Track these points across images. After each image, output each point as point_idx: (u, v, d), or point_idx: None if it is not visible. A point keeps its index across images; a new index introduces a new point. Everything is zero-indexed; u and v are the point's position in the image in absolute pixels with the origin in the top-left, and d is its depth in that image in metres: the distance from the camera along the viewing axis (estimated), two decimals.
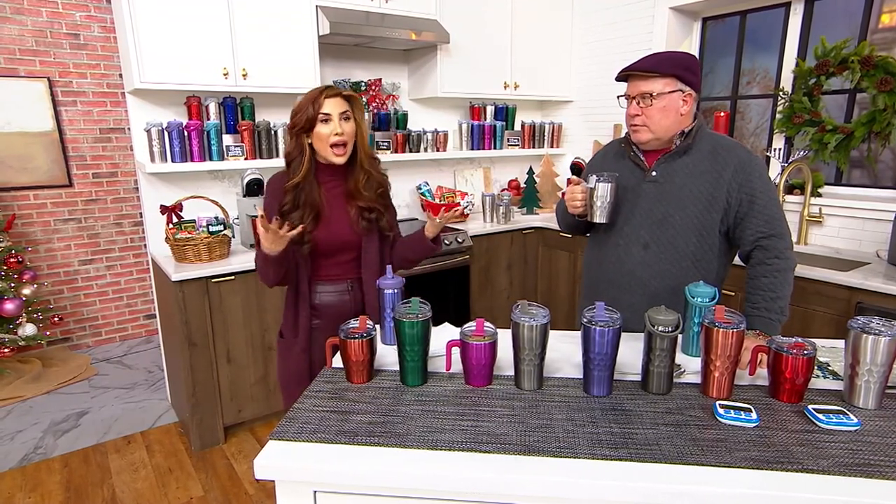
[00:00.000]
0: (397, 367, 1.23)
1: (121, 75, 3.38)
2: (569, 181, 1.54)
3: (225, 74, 2.40)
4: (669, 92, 1.38)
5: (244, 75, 2.45)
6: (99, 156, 3.40)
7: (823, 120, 2.51)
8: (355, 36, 2.70)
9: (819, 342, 1.39)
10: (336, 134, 1.39)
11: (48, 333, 3.06)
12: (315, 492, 0.96)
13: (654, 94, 1.39)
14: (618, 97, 1.51)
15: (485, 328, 1.18)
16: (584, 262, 1.69)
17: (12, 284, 2.85)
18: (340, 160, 1.43)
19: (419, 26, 2.85)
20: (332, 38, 2.67)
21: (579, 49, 3.67)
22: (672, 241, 1.45)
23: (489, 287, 3.27)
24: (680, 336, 1.32)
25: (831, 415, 1.00)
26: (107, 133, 3.40)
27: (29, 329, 2.88)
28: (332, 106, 1.39)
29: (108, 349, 3.52)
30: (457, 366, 1.22)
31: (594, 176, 1.44)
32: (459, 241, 3.00)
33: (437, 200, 3.34)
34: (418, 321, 1.15)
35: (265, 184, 1.49)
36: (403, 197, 3.42)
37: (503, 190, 3.73)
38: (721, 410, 1.02)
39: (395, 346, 1.19)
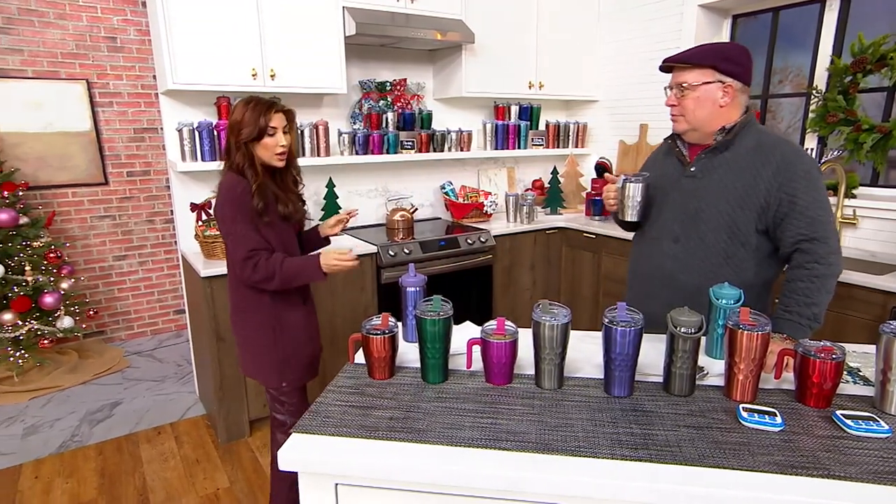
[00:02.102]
0: (419, 365, 1.24)
1: (154, 77, 3.49)
2: (606, 178, 1.58)
3: (254, 75, 2.46)
4: (704, 83, 1.36)
5: (272, 76, 2.50)
6: (133, 155, 3.52)
7: (859, 119, 2.43)
8: (381, 36, 2.74)
9: (851, 347, 1.35)
10: (281, 145, 1.60)
11: (84, 326, 3.19)
12: (336, 484, 0.98)
13: (687, 84, 1.38)
14: (664, 88, 1.49)
15: (506, 327, 1.19)
16: (629, 256, 1.71)
17: (52, 279, 2.97)
18: (281, 164, 1.63)
19: (444, 26, 2.87)
20: (358, 38, 2.70)
21: (605, 48, 3.63)
22: (702, 236, 1.43)
23: (512, 287, 3.27)
24: (704, 338, 1.31)
25: (861, 421, 0.98)
26: (140, 133, 3.52)
27: (67, 322, 3.00)
28: (278, 120, 1.59)
29: (140, 343, 3.65)
30: (478, 364, 1.24)
31: (623, 176, 1.48)
32: (482, 240, 3.00)
33: (460, 200, 3.35)
34: (439, 319, 1.16)
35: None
36: (427, 196, 3.44)
37: (527, 190, 3.72)
38: (744, 414, 1.01)
39: (417, 344, 1.21)
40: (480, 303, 3.09)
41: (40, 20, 3.11)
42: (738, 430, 0.98)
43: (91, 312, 3.28)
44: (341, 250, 1.59)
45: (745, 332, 1.05)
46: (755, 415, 1.00)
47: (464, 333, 1.37)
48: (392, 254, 2.68)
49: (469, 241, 2.96)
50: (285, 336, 1.65)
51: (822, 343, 1.05)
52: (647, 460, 0.90)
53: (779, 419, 0.99)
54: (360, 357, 1.30)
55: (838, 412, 1.01)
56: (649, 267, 1.56)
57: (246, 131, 1.57)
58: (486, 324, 1.21)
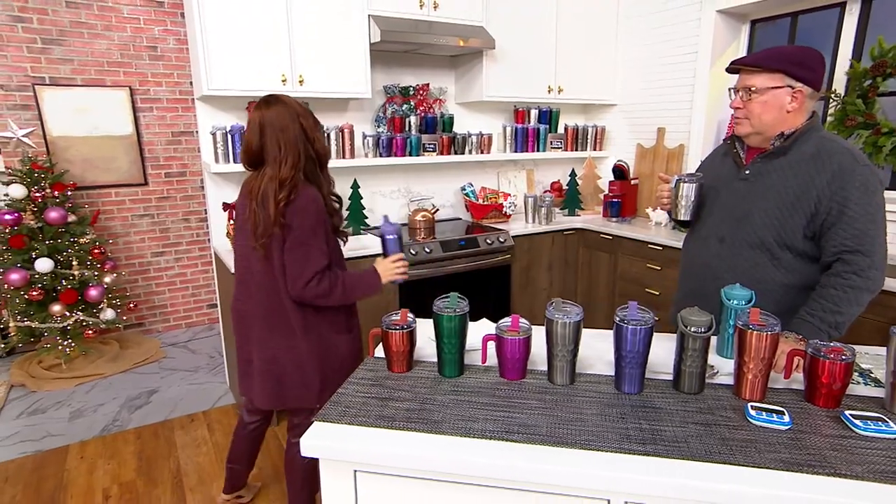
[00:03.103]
0: (436, 359, 1.30)
1: (191, 83, 3.66)
2: (660, 177, 1.62)
3: (283, 81, 2.57)
4: (772, 87, 1.36)
5: (300, 81, 2.60)
6: (170, 157, 3.69)
7: (879, 122, 2.39)
8: (405, 43, 2.81)
9: (864, 349, 1.35)
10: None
11: (125, 318, 3.37)
12: (355, 471, 1.03)
13: (755, 88, 1.38)
14: (728, 89, 1.49)
15: (520, 324, 1.24)
16: (681, 254, 1.74)
17: (96, 273, 3.16)
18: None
19: (466, 33, 2.92)
20: (382, 45, 2.78)
21: (624, 53, 3.64)
22: (747, 237, 1.44)
23: (529, 286, 3.30)
24: (715, 338, 1.33)
25: (869, 421, 0.99)
26: (178, 136, 3.69)
27: (109, 314, 3.18)
28: None
29: (176, 335, 3.82)
30: (492, 359, 1.29)
31: (677, 175, 1.52)
32: (501, 240, 3.05)
33: (480, 201, 3.40)
34: (456, 315, 1.22)
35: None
36: (447, 197, 3.50)
37: (545, 191, 3.74)
38: (752, 412, 1.03)
39: (433, 339, 1.27)
40: (498, 302, 3.13)
41: (90, 32, 3.30)
42: (746, 428, 1.01)
43: (131, 305, 3.46)
44: (395, 258, 1.64)
45: (755, 332, 1.08)
46: (763, 413, 1.03)
47: (480, 330, 1.43)
48: (413, 252, 2.75)
49: (488, 241, 3.01)
50: (329, 360, 1.62)
51: (832, 344, 1.07)
52: (655, 455, 0.93)
53: (787, 418, 1.01)
54: (379, 351, 1.37)
55: (847, 412, 1.02)
56: (698, 266, 1.58)
57: (322, 137, 1.55)
58: (501, 321, 1.26)
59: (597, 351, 1.36)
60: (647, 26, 3.46)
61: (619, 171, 3.53)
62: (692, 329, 1.11)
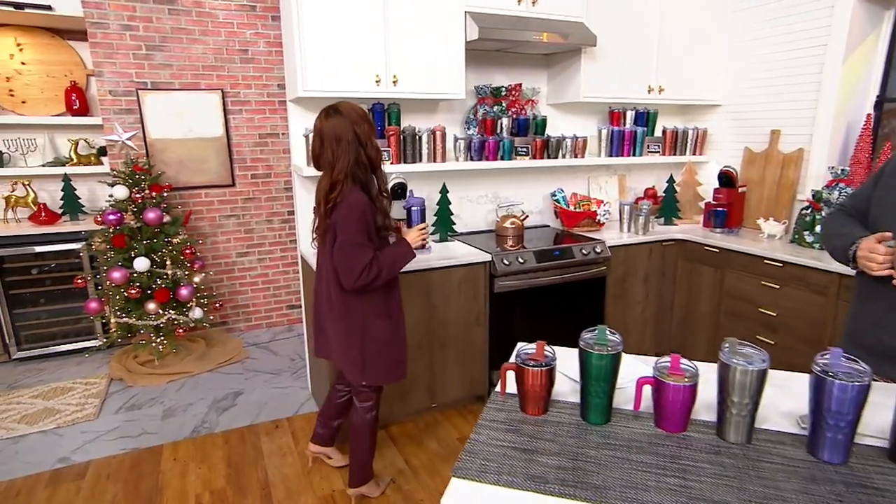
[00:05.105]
0: (572, 398, 1.14)
1: (279, 85, 3.69)
2: (879, 237, 1.31)
3: (377, 81, 2.49)
4: None
5: (394, 81, 2.51)
6: (257, 158, 3.75)
7: None
8: (501, 41, 2.66)
9: None
10: None
11: (211, 317, 3.44)
12: None
13: None
14: None
15: (683, 366, 1.05)
16: (854, 293, 1.47)
17: (187, 273, 3.24)
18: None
19: (565, 29, 2.73)
20: (476, 43, 2.65)
21: (733, 48, 3.31)
22: None
23: (623, 299, 3.06)
24: None
25: None
26: (264, 138, 3.74)
27: (197, 313, 3.25)
28: None
29: (257, 335, 3.88)
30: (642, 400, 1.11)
31: None
32: (598, 251, 2.83)
33: (572, 208, 3.19)
34: (608, 355, 1.05)
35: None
36: (535, 203, 3.32)
37: (639, 199, 3.47)
38: None
39: (579, 379, 1.10)
40: (592, 314, 2.91)
41: (188, 37, 3.40)
42: None
43: (217, 305, 3.54)
44: (418, 226, 1.90)
45: None
46: None
47: (626, 365, 1.24)
48: (506, 262, 2.59)
49: (584, 251, 2.80)
50: (369, 341, 1.80)
51: None
52: None
53: None
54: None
55: None
56: (882, 289, 1.31)
57: (375, 143, 1.73)
58: (659, 360, 1.08)
59: (766, 397, 1.14)
60: (762, 18, 3.13)
61: (727, 178, 3.20)
62: None
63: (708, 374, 1.11)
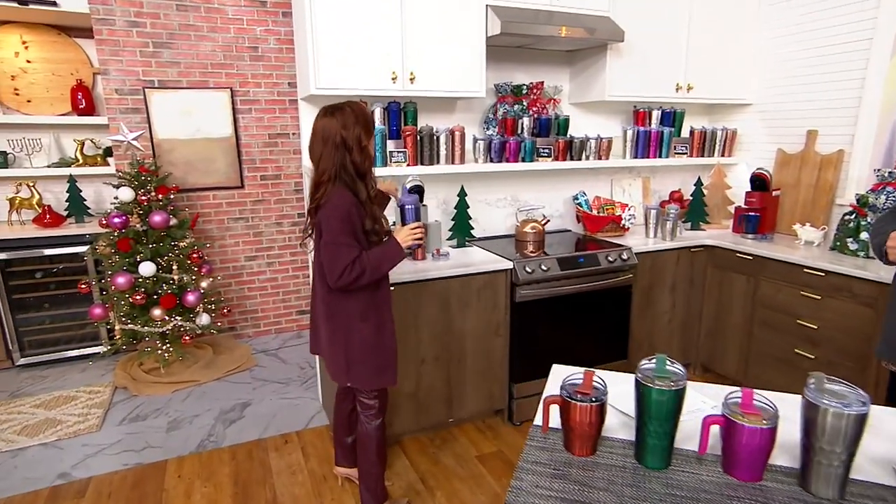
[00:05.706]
0: (622, 435, 1.00)
1: (289, 83, 3.58)
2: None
3: (393, 78, 2.36)
4: None
5: (411, 79, 2.38)
6: (266, 159, 3.64)
7: None
8: (523, 36, 2.52)
9: None
10: None
11: (219, 323, 3.33)
12: None
13: None
14: None
15: (757, 403, 0.91)
16: (891, 290, 1.45)
17: (193, 277, 3.13)
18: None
19: (592, 23, 2.59)
20: (497, 39, 2.51)
21: (766, 44, 3.15)
22: None
23: (649, 309, 2.91)
24: None
25: None
26: (274, 138, 3.63)
27: (204, 319, 3.14)
28: None
29: (266, 341, 3.77)
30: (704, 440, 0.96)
31: None
32: (624, 258, 2.68)
33: (595, 212, 3.04)
34: (671, 390, 0.90)
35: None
36: (556, 206, 3.17)
37: (665, 202, 3.31)
38: None
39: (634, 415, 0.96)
40: (617, 325, 2.76)
41: (196, 34, 3.30)
42: None
43: (225, 311, 3.43)
44: (410, 225, 1.80)
45: None
46: None
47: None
48: (529, 270, 2.45)
49: (609, 258, 2.65)
50: (352, 343, 1.76)
51: None
52: None
53: None
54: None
55: None
56: None
57: (360, 151, 1.64)
58: (729, 394, 0.93)
59: None
60: (798, 12, 2.98)
61: (760, 181, 3.03)
62: None
63: (783, 407, 0.96)
